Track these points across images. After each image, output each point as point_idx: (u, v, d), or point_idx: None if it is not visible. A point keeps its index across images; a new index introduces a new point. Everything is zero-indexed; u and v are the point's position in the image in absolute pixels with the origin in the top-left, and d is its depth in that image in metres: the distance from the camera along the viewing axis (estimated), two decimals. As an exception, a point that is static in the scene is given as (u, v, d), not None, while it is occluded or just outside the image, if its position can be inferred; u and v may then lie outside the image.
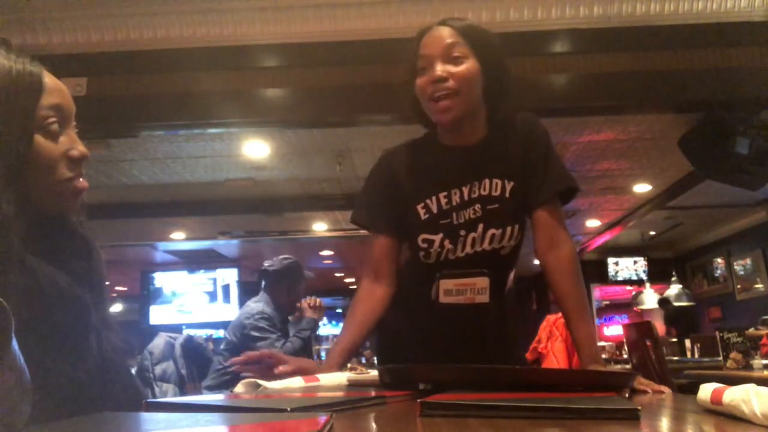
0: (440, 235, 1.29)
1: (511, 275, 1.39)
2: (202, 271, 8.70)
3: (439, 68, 1.22)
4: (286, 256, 3.30)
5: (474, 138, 1.31)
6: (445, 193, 1.30)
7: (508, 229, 1.29)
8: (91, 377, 0.83)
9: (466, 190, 1.29)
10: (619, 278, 9.20)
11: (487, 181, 1.29)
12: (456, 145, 1.32)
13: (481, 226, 1.29)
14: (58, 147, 0.89)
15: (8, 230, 0.77)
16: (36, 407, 0.59)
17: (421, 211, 1.31)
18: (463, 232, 1.29)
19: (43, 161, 0.86)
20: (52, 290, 0.80)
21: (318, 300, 3.19)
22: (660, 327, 6.57)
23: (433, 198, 1.30)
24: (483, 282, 1.28)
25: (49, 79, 0.90)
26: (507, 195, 1.29)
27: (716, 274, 8.19)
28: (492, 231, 1.28)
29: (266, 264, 3.24)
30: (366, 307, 1.36)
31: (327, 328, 11.30)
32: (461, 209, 1.29)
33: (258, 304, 3.09)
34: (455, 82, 1.22)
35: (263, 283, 3.22)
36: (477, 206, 1.29)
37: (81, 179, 0.92)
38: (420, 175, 1.33)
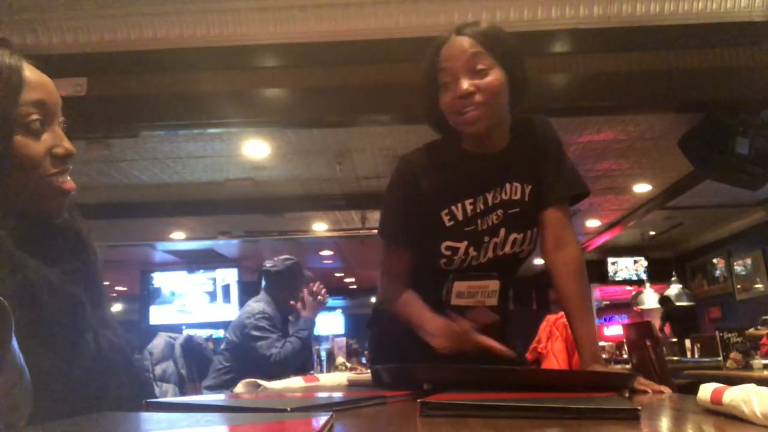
0: (465, 243, 1.28)
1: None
2: (201, 271, 8.70)
3: (465, 83, 1.18)
4: (287, 256, 3.30)
5: (499, 145, 1.30)
6: (471, 200, 1.28)
7: (529, 233, 1.30)
8: (89, 376, 0.82)
9: (489, 196, 1.28)
10: (619, 278, 9.21)
11: (508, 185, 1.29)
12: (482, 153, 1.30)
13: (503, 231, 1.29)
14: (40, 145, 0.85)
15: None
16: (33, 406, 0.59)
17: (446, 218, 1.29)
18: (486, 239, 1.28)
19: (25, 160, 0.83)
20: (43, 287, 0.79)
21: (323, 289, 3.15)
22: (658, 325, 6.58)
23: (459, 205, 1.28)
24: (494, 285, 1.28)
25: (30, 73, 0.85)
26: (527, 199, 1.30)
27: (716, 274, 8.19)
28: (514, 235, 1.29)
29: (268, 264, 3.24)
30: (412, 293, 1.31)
31: (325, 326, 11.30)
32: (485, 215, 1.29)
33: (259, 304, 3.09)
34: (482, 95, 1.19)
35: (264, 283, 3.22)
36: (499, 211, 1.29)
37: (68, 179, 0.89)
38: (444, 182, 1.30)
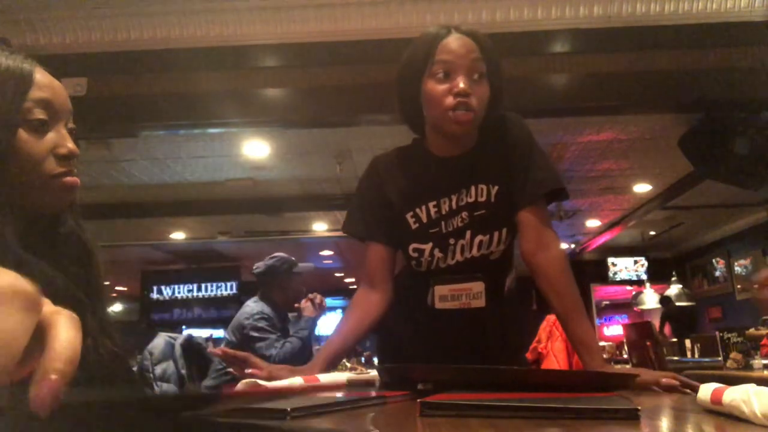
0: (430, 245, 1.28)
1: (511, 277, 1.39)
2: (202, 271, 8.70)
3: (463, 82, 1.18)
4: (272, 255, 3.28)
5: (465, 148, 1.30)
6: (434, 203, 1.29)
7: (496, 234, 1.28)
8: (88, 384, 0.81)
9: (454, 198, 1.28)
10: (619, 278, 9.21)
11: (473, 188, 1.28)
12: (446, 155, 1.30)
13: (468, 233, 1.28)
14: (43, 144, 0.86)
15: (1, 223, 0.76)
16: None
17: (411, 221, 1.30)
18: (452, 241, 1.28)
19: (26, 156, 0.84)
20: (47, 288, 0.78)
21: (319, 296, 3.19)
22: (658, 325, 6.57)
23: (423, 207, 1.29)
24: (478, 286, 1.28)
25: (41, 75, 0.88)
26: (492, 200, 1.28)
27: (716, 274, 8.20)
28: (480, 237, 1.28)
29: (254, 267, 3.26)
30: (359, 313, 1.34)
31: (325, 326, 11.28)
32: (450, 218, 1.28)
33: (257, 304, 3.10)
34: (476, 101, 1.19)
35: (258, 285, 3.24)
36: (464, 214, 1.28)
37: (71, 175, 0.89)
38: (409, 184, 1.32)
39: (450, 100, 1.19)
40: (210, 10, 3.23)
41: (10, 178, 0.82)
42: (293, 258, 3.29)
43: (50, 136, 0.87)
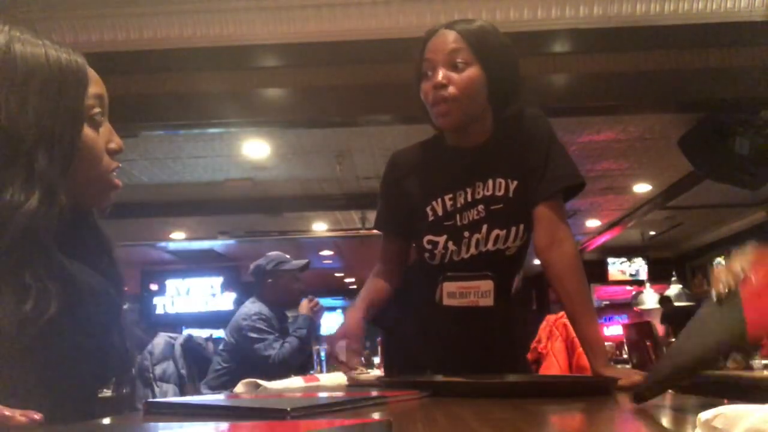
0: (444, 237, 1.29)
1: (518, 277, 1.39)
2: (201, 271, 8.71)
3: (441, 74, 1.21)
4: (265, 255, 3.29)
5: (479, 139, 1.30)
6: (450, 195, 1.29)
7: (513, 229, 1.28)
8: (113, 375, 0.84)
9: (470, 191, 1.29)
10: (619, 278, 9.21)
11: (490, 181, 1.28)
12: (461, 147, 1.31)
13: (485, 227, 1.28)
14: (100, 137, 0.87)
15: (55, 222, 0.75)
16: (56, 405, 0.61)
17: (429, 213, 1.31)
18: (467, 234, 1.28)
19: (89, 152, 0.84)
20: (86, 292, 0.80)
21: (315, 300, 3.20)
22: (659, 326, 6.57)
23: (439, 200, 1.30)
24: (487, 285, 1.28)
25: (90, 69, 0.89)
26: (511, 195, 1.28)
27: (716, 274, 8.19)
28: (496, 232, 1.28)
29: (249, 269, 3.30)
30: (379, 284, 1.38)
31: (325, 326, 11.28)
32: (465, 210, 1.29)
33: (254, 305, 3.10)
34: (455, 88, 1.20)
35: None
36: (480, 207, 1.28)
37: (116, 174, 0.91)
38: (427, 177, 1.33)
39: (431, 95, 1.22)
40: (210, 10, 3.23)
41: (72, 175, 0.81)
42: (287, 256, 3.28)
43: (103, 131, 0.88)
